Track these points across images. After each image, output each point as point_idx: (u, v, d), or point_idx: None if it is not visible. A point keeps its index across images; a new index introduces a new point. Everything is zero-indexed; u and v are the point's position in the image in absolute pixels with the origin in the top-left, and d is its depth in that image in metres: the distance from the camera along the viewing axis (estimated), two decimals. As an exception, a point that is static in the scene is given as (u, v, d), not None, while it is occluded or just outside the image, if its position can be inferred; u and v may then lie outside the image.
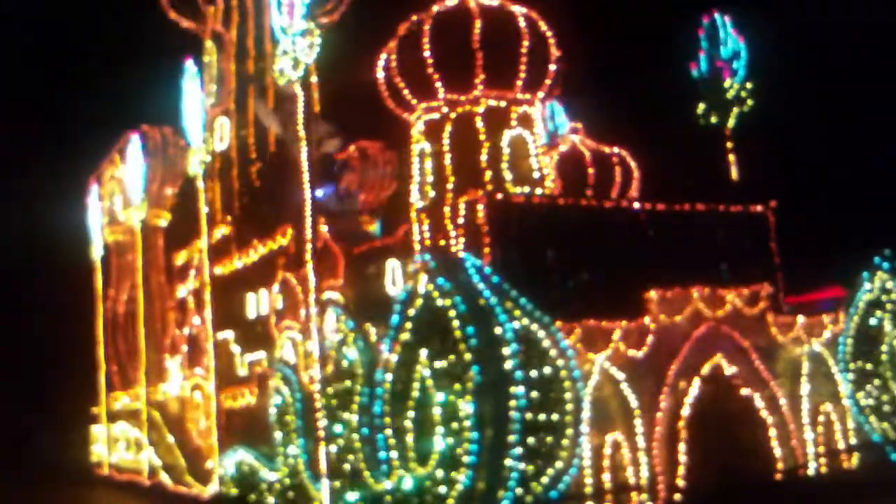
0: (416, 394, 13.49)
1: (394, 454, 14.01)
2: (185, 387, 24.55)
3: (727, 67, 20.65)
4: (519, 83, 16.02)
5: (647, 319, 14.95)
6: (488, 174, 15.71)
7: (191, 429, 24.05)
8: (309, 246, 16.41)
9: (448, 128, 16.10)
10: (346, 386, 15.40)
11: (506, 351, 12.58)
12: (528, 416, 12.63)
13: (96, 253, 29.77)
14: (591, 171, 19.80)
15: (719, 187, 19.11)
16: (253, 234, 23.67)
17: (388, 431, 14.09)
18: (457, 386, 12.73)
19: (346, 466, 15.36)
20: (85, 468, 31.06)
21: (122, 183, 29.08)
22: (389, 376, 14.08)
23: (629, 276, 15.25)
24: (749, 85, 20.33)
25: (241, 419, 20.92)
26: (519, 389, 12.45)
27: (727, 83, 20.49)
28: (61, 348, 33.43)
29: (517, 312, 13.11)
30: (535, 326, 13.23)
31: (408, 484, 14.64)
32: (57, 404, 32.79)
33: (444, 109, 16.13)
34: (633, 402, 14.53)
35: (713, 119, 20.48)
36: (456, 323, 12.73)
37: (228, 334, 23.11)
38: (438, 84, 15.93)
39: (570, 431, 13.30)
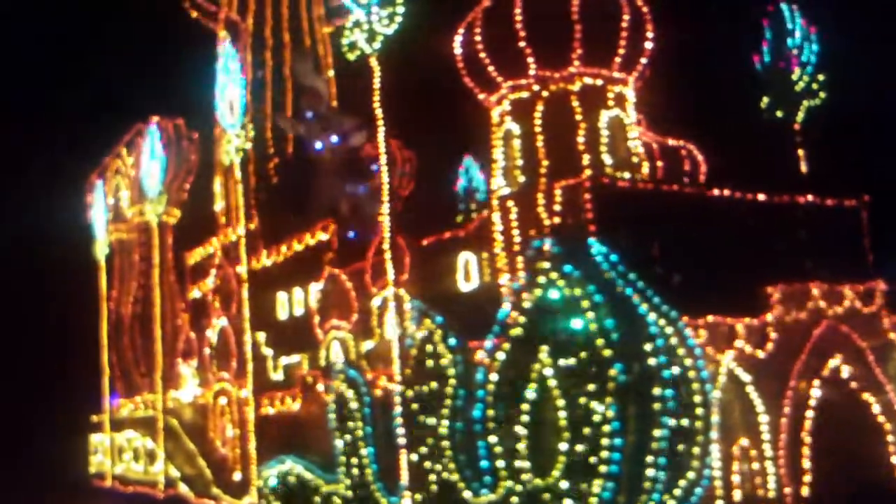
0: (531, 395, 11.93)
1: (500, 463, 12.43)
2: (206, 393, 22.67)
3: (795, 59, 19.40)
4: (617, 60, 14.54)
5: (768, 316, 13.53)
6: (586, 157, 14.20)
7: (213, 437, 22.19)
8: (387, 235, 14.80)
9: (539, 107, 14.56)
10: (431, 388, 13.78)
11: (649, 347, 11.07)
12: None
13: (100, 252, 27.76)
14: (659, 164, 18.35)
15: (788, 181, 17.81)
16: (282, 231, 22.00)
17: (493, 438, 12.50)
18: (590, 386, 11.17)
19: (431, 477, 13.74)
20: (83, 480, 28.95)
21: (131, 177, 27.20)
22: (494, 377, 12.51)
23: (741, 269, 13.81)
24: (821, 77, 19.10)
25: (280, 426, 19.13)
26: (666, 390, 10.95)
27: (795, 75, 19.22)
28: (57, 353, 31.28)
29: (644, 306, 11.63)
30: (662, 322, 11.75)
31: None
32: (51, 413, 30.59)
33: (535, 87, 14.59)
34: (759, 406, 13.07)
35: (779, 113, 19.23)
36: (590, 315, 11.19)
37: (259, 336, 21.35)
38: (530, 59, 14.39)
39: (700, 438, 11.84)
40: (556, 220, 13.95)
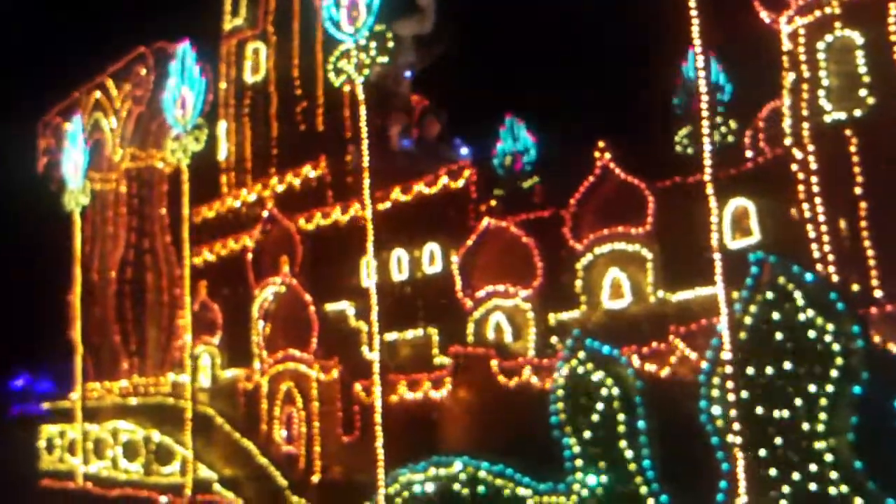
0: None
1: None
2: (255, 376, 17.51)
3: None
4: None
5: None
6: (964, 76, 10.53)
7: (267, 431, 17.05)
8: (708, 155, 10.53)
9: (893, 10, 10.77)
10: (783, 368, 9.73)
11: None
12: None
13: (74, 204, 21.64)
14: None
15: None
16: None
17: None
18: None
19: (784, 489, 9.68)
20: (33, 479, 22.72)
21: (122, 114, 21.49)
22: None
23: None
24: (732, 123, 16.69)
25: (410, 418, 14.42)
26: None
27: None
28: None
29: None
30: None
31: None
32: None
33: (885, -16, 10.81)
34: None
35: (690, 150, 16.93)
36: None
37: (343, 306, 16.52)
38: (884, -55, 10.62)
39: None
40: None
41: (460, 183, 15.38)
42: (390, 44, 14.04)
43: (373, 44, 14.18)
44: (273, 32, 20.98)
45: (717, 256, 10.31)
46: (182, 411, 18.08)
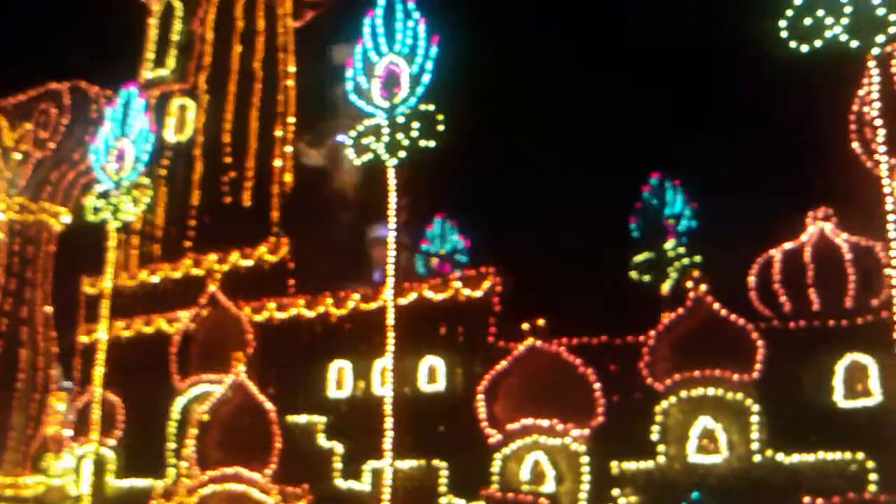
0: None
1: None
2: (181, 494, 13.93)
3: (672, 229, 17.11)
4: None
5: None
6: None
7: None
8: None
9: None
10: None
11: None
12: None
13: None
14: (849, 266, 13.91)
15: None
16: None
17: None
18: None
19: None
20: None
21: (12, 157, 17.53)
22: None
23: None
24: (697, 258, 16.48)
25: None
26: None
27: (669, 244, 16.66)
28: None
29: None
30: None
31: None
32: None
33: None
34: None
35: (647, 277, 16.56)
36: None
37: (313, 419, 13.55)
38: None
39: None
40: None
41: (478, 293, 12.99)
42: (440, 127, 11.66)
43: (415, 124, 11.75)
44: (205, 91, 18.01)
45: None
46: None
